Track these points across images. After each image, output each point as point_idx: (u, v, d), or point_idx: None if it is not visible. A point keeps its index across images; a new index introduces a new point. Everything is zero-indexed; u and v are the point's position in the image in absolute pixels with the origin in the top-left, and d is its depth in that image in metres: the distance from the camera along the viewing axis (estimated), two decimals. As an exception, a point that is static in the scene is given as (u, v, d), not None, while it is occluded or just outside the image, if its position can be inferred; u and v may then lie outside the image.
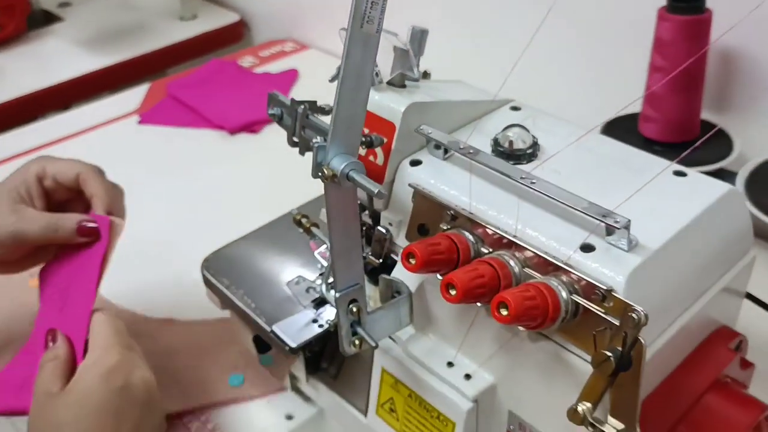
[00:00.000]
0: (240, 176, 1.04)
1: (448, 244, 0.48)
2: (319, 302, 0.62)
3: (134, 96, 1.27)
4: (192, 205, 0.98)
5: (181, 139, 1.14)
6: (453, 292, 0.45)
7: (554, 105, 0.67)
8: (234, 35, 1.52)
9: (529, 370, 0.50)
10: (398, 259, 0.56)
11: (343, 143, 0.46)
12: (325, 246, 0.62)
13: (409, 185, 0.53)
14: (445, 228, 0.51)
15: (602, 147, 0.56)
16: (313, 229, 0.57)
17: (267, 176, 1.03)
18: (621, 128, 0.86)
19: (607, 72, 0.95)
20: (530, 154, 0.54)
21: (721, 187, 0.51)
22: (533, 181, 0.48)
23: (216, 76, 1.27)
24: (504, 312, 0.43)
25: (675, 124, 0.82)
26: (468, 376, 0.53)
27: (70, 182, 0.67)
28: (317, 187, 0.47)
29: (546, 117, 0.59)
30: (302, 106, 0.53)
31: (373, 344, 0.50)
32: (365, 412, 0.62)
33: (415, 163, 0.55)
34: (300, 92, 1.24)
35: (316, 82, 1.28)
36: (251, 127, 1.14)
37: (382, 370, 0.58)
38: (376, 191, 0.43)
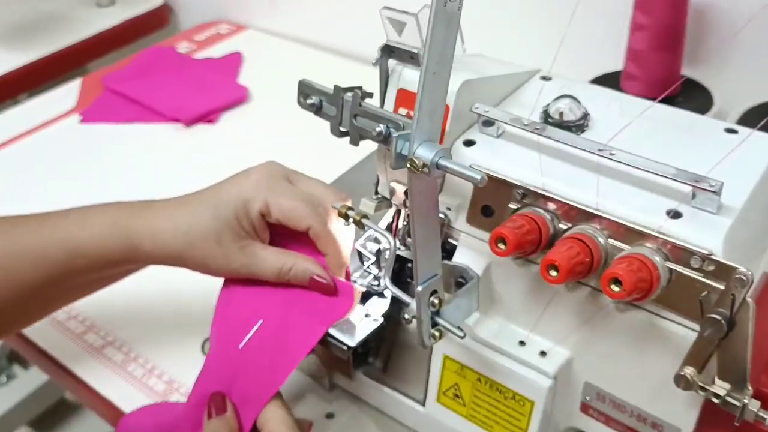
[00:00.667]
0: (201, 169, 0.97)
1: (531, 224, 0.47)
2: (365, 296, 0.60)
3: (67, 94, 1.18)
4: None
5: (133, 135, 1.07)
6: (555, 273, 0.44)
7: (536, 64, 0.66)
8: (159, 20, 1.44)
9: (613, 340, 0.50)
10: (457, 243, 0.55)
11: (427, 130, 0.43)
12: (365, 237, 0.59)
13: (471, 167, 0.51)
14: (514, 207, 0.50)
15: (647, 112, 0.56)
16: (365, 221, 0.55)
17: (229, 167, 0.98)
18: (604, 86, 0.87)
19: (588, 31, 0.96)
20: (581, 125, 0.54)
21: (773, 140, 0.52)
22: (612, 152, 0.47)
23: (155, 66, 1.20)
24: (616, 288, 0.42)
25: (658, 81, 0.84)
26: (543, 353, 0.53)
27: (298, 228, 0.58)
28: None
29: (581, 85, 0.59)
30: (351, 93, 0.50)
31: (461, 335, 0.49)
32: (423, 402, 0.60)
33: (469, 143, 0.53)
34: (249, 76, 1.19)
35: (263, 64, 1.24)
36: (208, 117, 1.08)
37: (444, 357, 0.57)
38: (479, 178, 0.41)
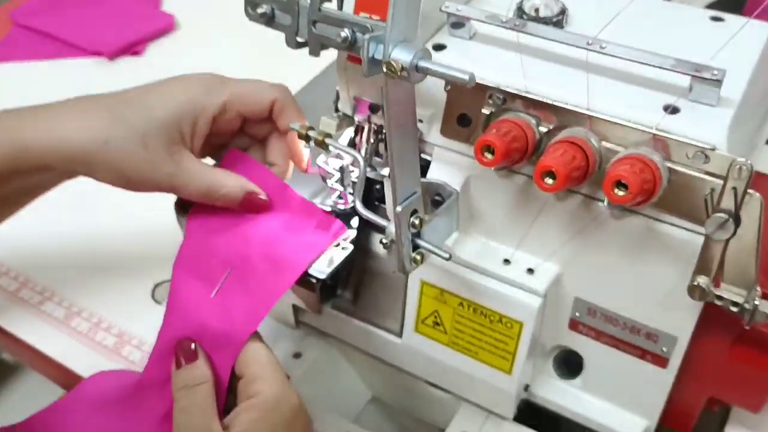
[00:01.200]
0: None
1: (518, 130, 0.43)
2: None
3: (-31, 32, 1.06)
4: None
5: (50, 72, 0.98)
6: (551, 181, 0.40)
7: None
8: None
9: (607, 250, 0.46)
10: (431, 159, 0.50)
11: (402, 29, 0.38)
12: (323, 158, 0.54)
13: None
14: (488, 114, 0.45)
15: (628, 6, 0.51)
16: (328, 141, 0.49)
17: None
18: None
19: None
20: (559, 21, 0.49)
21: (763, 27, 0.49)
22: (603, 45, 0.43)
23: (65, -5, 1.09)
24: (621, 192, 0.39)
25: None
26: (530, 271, 0.50)
27: (259, 112, 0.52)
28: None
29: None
30: (307, -3, 0.44)
31: (446, 255, 0.44)
32: (399, 333, 0.57)
33: (439, 47, 0.48)
34: (172, 3, 1.09)
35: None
36: (133, 48, 0.99)
37: (422, 283, 0.53)
38: (467, 77, 0.36)
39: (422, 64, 0.38)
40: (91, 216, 0.75)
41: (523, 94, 0.44)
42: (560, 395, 0.55)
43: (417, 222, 0.44)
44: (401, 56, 0.38)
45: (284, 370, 0.47)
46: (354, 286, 0.58)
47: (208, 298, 0.50)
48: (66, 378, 0.63)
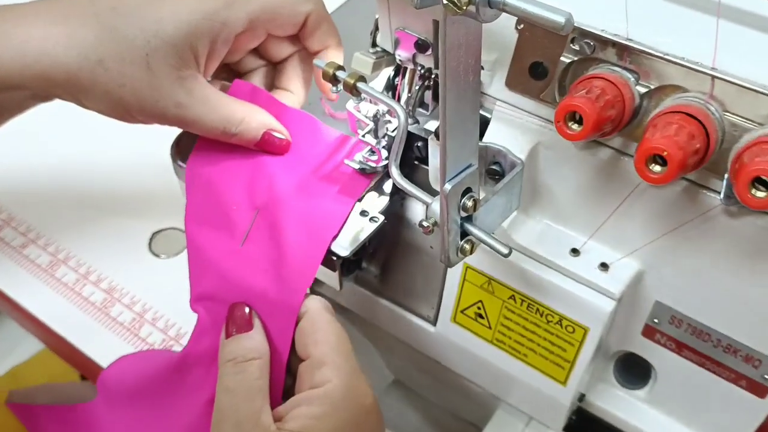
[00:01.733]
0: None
1: (613, 91, 0.32)
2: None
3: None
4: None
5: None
6: (659, 169, 0.29)
7: None
8: None
9: (712, 252, 0.36)
10: (490, 116, 0.39)
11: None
12: (353, 103, 0.43)
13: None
14: (568, 63, 0.34)
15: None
16: (361, 86, 0.39)
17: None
18: None
19: None
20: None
21: None
22: (743, -20, 0.31)
23: None
24: (762, 193, 0.28)
25: None
26: (604, 266, 0.39)
27: (289, 29, 0.43)
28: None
29: None
30: None
31: (506, 252, 0.34)
32: (433, 321, 0.47)
33: (513, -30, 0.37)
34: None
35: None
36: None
37: (466, 268, 0.43)
38: (563, 20, 0.25)
39: (500, -5, 0.27)
40: (89, 148, 0.65)
41: (623, 42, 0.33)
42: (621, 407, 0.46)
43: (470, 204, 0.34)
44: (469, -16, 0.27)
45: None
46: (382, 259, 0.49)
47: (238, 249, 0.41)
48: (47, 336, 0.55)
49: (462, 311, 0.45)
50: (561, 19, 0.25)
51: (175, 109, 0.40)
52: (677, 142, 0.29)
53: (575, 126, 0.31)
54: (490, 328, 0.44)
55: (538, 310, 0.42)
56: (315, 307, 0.39)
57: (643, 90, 0.33)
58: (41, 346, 0.62)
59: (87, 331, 0.54)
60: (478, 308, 0.44)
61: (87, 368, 0.53)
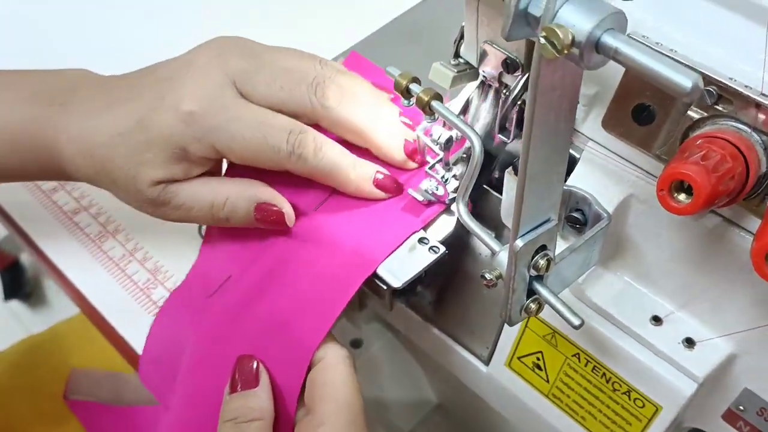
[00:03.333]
0: None
1: (735, 156, 0.27)
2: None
3: None
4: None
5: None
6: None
7: None
8: None
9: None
10: (579, 156, 0.34)
11: (586, -30, 0.22)
12: (425, 124, 0.39)
13: (629, 36, 0.30)
14: (696, 117, 0.29)
15: None
16: (435, 105, 0.34)
17: None
18: None
19: None
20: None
21: None
22: None
23: None
24: None
25: None
26: (690, 342, 0.34)
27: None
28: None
29: None
30: None
31: (577, 323, 0.30)
32: (486, 360, 0.43)
33: (627, -7, 0.31)
34: None
35: None
36: None
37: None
38: (689, 85, 0.20)
39: (610, 41, 0.22)
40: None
41: (755, 97, 0.27)
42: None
43: (542, 263, 0.30)
44: (576, 21, 0.22)
45: (366, 414, 0.35)
46: (439, 285, 0.44)
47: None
48: (87, 308, 0.53)
49: (519, 358, 0.41)
50: (687, 83, 0.20)
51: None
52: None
53: (683, 197, 0.26)
54: (547, 381, 0.40)
55: (604, 375, 0.37)
56: (332, 357, 0.35)
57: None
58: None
59: (126, 313, 0.52)
60: (537, 359, 0.40)
61: (124, 350, 0.51)
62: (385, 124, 0.40)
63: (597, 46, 0.22)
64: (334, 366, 0.35)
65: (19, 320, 1.23)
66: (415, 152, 0.41)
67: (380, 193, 0.40)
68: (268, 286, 0.38)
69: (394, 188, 0.40)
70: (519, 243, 0.28)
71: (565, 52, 0.22)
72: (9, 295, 1.18)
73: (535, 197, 0.28)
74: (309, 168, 0.39)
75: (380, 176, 0.40)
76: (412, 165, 0.41)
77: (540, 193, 0.28)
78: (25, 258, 1.20)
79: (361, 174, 0.40)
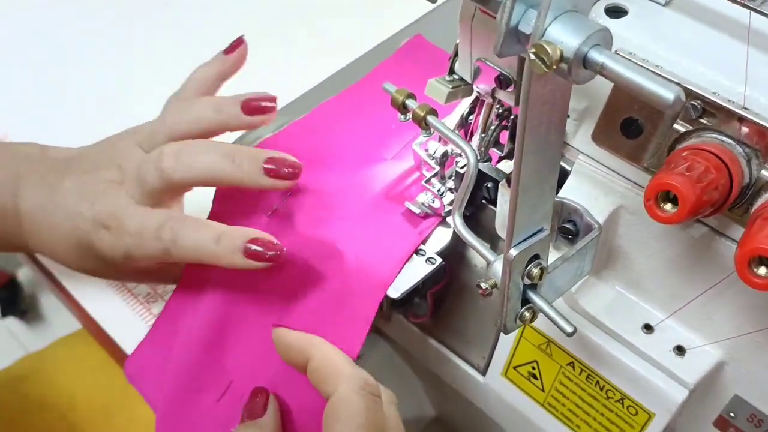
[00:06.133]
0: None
1: (719, 168, 0.28)
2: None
3: None
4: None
5: None
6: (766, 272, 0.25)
7: None
8: None
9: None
10: (570, 168, 0.35)
11: (572, -8, 0.23)
12: (421, 139, 0.40)
13: (616, 53, 0.31)
14: (681, 130, 0.30)
15: None
16: (431, 119, 0.35)
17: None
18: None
19: None
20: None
21: None
22: None
23: None
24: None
25: None
26: (680, 350, 0.35)
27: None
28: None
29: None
30: None
31: (569, 330, 0.31)
32: (483, 370, 0.44)
33: (616, 11, 0.32)
34: None
35: None
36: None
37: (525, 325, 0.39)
38: (671, 98, 0.21)
39: (596, 56, 0.23)
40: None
41: (737, 111, 0.28)
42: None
43: (536, 272, 0.30)
44: (564, 37, 0.23)
45: None
46: (436, 296, 0.45)
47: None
48: (88, 323, 0.54)
49: (515, 367, 0.41)
50: (669, 95, 0.21)
51: (122, 248, 0.41)
52: (790, 245, 0.25)
53: (669, 207, 0.27)
54: (543, 390, 0.41)
55: (598, 383, 0.38)
56: (345, 388, 0.34)
57: (756, 168, 0.29)
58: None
59: (126, 326, 0.52)
60: (533, 368, 0.41)
61: (124, 363, 0.52)
62: (228, 153, 0.39)
63: (584, 62, 0.23)
64: (346, 400, 0.34)
65: (16, 337, 1.23)
66: (255, 109, 0.40)
67: (255, 264, 0.37)
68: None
69: (268, 257, 0.37)
70: (513, 252, 0.29)
71: (554, 67, 0.23)
72: (6, 312, 1.18)
73: (528, 207, 0.29)
74: (176, 258, 0.39)
75: (251, 247, 0.37)
76: (282, 184, 0.39)
77: (533, 203, 0.29)
78: (22, 275, 1.21)
79: (226, 247, 0.37)
